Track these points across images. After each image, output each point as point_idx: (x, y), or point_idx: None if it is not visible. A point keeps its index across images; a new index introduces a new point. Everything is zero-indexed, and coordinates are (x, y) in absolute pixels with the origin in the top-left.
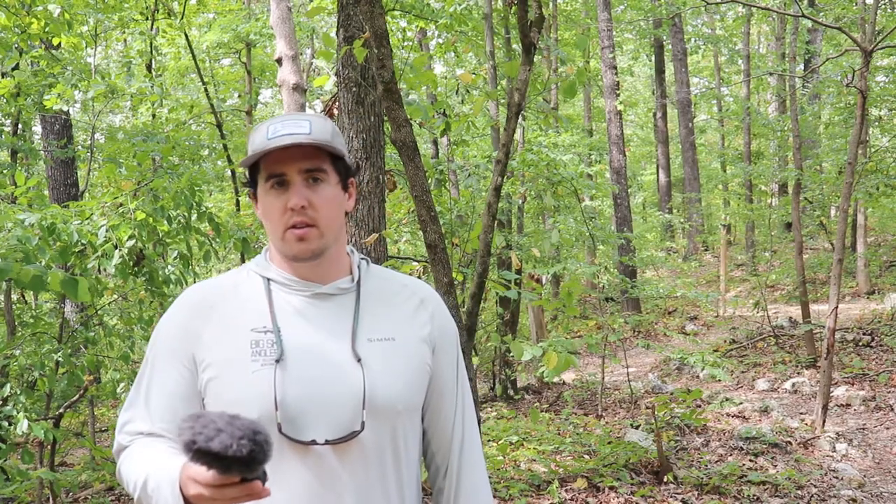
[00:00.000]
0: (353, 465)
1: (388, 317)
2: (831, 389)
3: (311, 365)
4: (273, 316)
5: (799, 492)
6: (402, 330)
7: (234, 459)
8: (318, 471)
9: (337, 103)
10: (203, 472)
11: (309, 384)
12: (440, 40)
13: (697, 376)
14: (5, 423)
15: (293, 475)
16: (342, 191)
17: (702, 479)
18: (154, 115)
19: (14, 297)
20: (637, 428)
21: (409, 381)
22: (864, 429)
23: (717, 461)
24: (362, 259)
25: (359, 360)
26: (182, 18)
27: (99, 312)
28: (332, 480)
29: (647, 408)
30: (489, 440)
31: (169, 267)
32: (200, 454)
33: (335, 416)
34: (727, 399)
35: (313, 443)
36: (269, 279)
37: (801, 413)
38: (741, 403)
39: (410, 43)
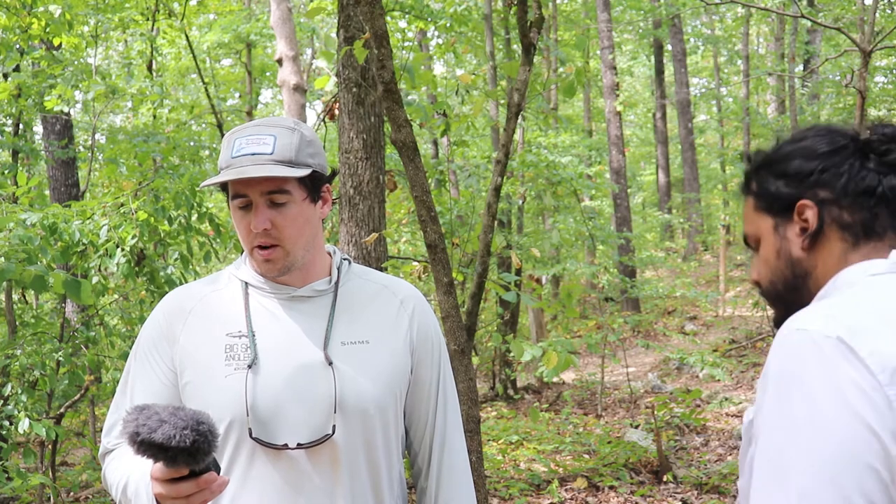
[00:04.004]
0: (324, 467)
1: (364, 319)
2: None
3: (283, 369)
4: (248, 320)
5: None
6: (378, 332)
7: (179, 450)
8: (289, 474)
9: (337, 104)
10: (157, 468)
11: (280, 389)
12: (440, 41)
13: (697, 376)
14: (6, 423)
15: (265, 479)
16: (312, 203)
17: (701, 478)
18: (155, 116)
19: (15, 296)
20: (637, 427)
21: (381, 384)
22: None
23: (716, 460)
24: (344, 259)
25: (330, 364)
26: (182, 19)
27: (100, 312)
28: (304, 483)
29: (647, 407)
30: (489, 440)
31: (170, 268)
32: (144, 446)
33: (307, 421)
34: (726, 399)
35: (285, 447)
36: (246, 283)
37: None
38: (740, 403)
39: (410, 43)
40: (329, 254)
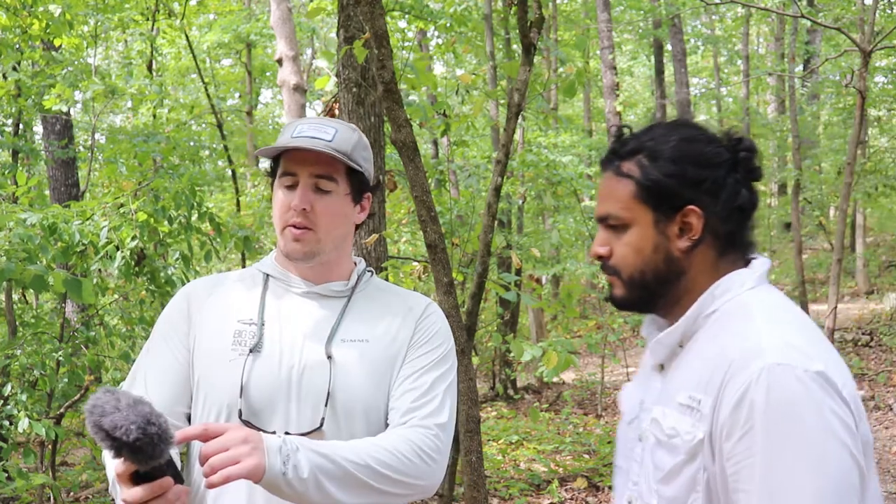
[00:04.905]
0: None
1: (369, 321)
2: None
3: (283, 359)
4: (261, 309)
5: None
6: (378, 333)
7: (122, 443)
8: None
9: (337, 104)
10: (116, 462)
11: (277, 377)
12: (440, 41)
13: None
14: (6, 423)
15: None
16: (352, 202)
17: None
18: (154, 116)
19: (15, 296)
20: None
21: (373, 383)
22: None
23: None
24: (368, 270)
25: (329, 358)
26: (182, 19)
27: (100, 312)
28: None
29: None
30: (489, 440)
31: (171, 268)
32: (94, 428)
33: (298, 411)
34: None
35: (273, 434)
36: (267, 275)
37: None
38: None
39: (410, 43)
40: (354, 262)
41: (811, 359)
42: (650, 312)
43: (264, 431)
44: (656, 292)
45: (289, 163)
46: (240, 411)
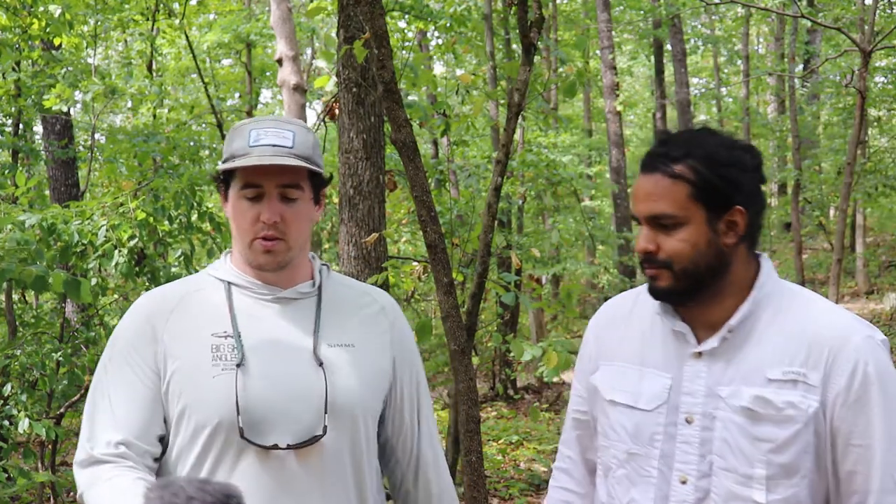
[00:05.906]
0: (313, 468)
1: (348, 323)
2: None
3: (273, 369)
4: (233, 320)
5: None
6: (362, 336)
7: None
8: (278, 474)
9: (338, 104)
10: None
11: (271, 388)
12: (440, 41)
13: None
14: (6, 423)
15: (252, 479)
16: (314, 204)
17: None
18: (154, 116)
19: (15, 296)
20: None
21: (368, 387)
22: None
23: None
24: (323, 265)
25: (320, 365)
26: (182, 19)
27: (100, 312)
28: (293, 484)
29: None
30: (489, 440)
31: (172, 267)
32: None
33: (297, 421)
34: None
35: (275, 447)
36: (229, 283)
37: None
38: None
39: (410, 43)
40: (310, 259)
41: (873, 329)
42: (690, 302)
43: (264, 446)
44: (704, 282)
45: (252, 175)
46: (240, 429)
